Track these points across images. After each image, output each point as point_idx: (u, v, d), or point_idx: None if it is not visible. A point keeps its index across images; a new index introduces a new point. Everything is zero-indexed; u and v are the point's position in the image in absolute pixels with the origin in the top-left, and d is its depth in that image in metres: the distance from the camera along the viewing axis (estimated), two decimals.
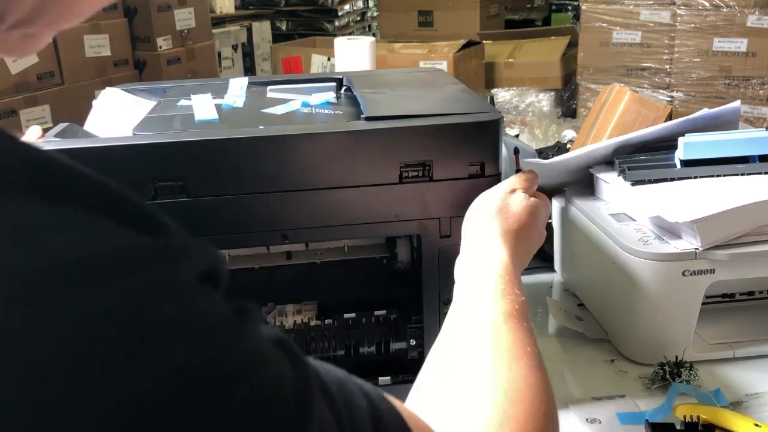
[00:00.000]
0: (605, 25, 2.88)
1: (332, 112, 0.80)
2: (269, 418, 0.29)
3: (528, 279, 1.10)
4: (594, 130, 1.17)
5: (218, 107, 0.81)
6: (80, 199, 0.30)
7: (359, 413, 0.36)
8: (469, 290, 0.61)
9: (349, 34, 4.41)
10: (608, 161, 0.97)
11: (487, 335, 0.54)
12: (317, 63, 2.90)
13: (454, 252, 0.68)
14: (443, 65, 2.83)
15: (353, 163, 0.69)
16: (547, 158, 1.01)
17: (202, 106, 0.80)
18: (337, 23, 4.50)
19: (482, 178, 0.71)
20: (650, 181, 0.89)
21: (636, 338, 0.87)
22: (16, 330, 0.25)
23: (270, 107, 0.80)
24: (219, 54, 3.80)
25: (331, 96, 0.85)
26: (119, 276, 0.28)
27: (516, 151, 0.83)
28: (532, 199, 0.70)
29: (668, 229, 0.84)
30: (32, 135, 0.73)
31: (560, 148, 1.35)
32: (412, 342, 0.78)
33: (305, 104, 0.82)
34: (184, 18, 3.32)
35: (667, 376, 0.82)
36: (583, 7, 2.92)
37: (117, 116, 0.82)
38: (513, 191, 0.70)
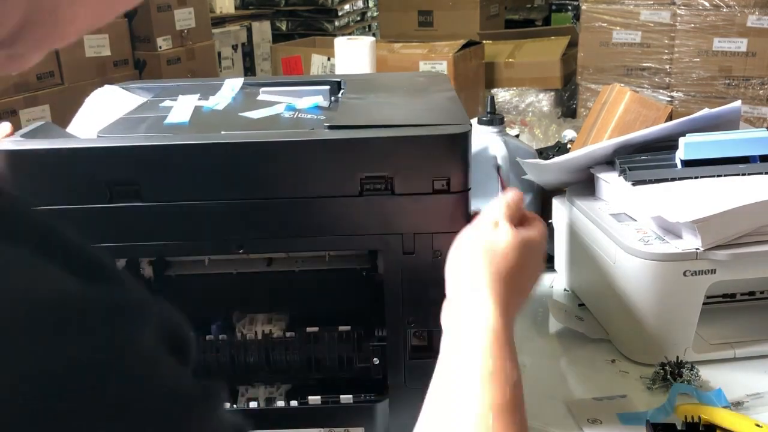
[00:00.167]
0: (605, 25, 2.88)
1: (315, 117, 0.78)
2: None
3: None
4: (594, 130, 1.17)
5: (198, 109, 0.81)
6: (27, 243, 0.28)
7: None
8: (454, 358, 0.55)
9: (349, 34, 4.41)
10: (609, 161, 0.97)
11: None
12: (317, 63, 2.90)
13: (417, 270, 0.65)
14: (443, 65, 2.83)
15: (311, 173, 0.67)
16: (547, 158, 1.01)
17: (179, 109, 0.80)
18: (337, 23, 4.50)
19: (449, 194, 0.67)
20: (651, 181, 0.89)
21: (637, 338, 0.87)
22: None
23: (252, 110, 0.79)
24: (219, 54, 3.80)
25: (321, 100, 0.83)
26: (54, 325, 0.26)
27: (498, 168, 0.78)
28: (522, 231, 0.62)
29: (669, 229, 0.84)
30: (1, 131, 0.72)
31: (560, 148, 1.35)
32: (376, 361, 0.74)
33: (290, 108, 0.81)
34: (184, 18, 3.32)
35: (668, 376, 0.82)
36: (583, 7, 2.92)
37: (106, 114, 0.82)
38: (497, 224, 0.62)
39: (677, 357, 0.84)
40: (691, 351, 0.85)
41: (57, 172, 0.66)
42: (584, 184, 1.00)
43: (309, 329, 0.75)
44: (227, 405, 0.73)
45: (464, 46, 2.93)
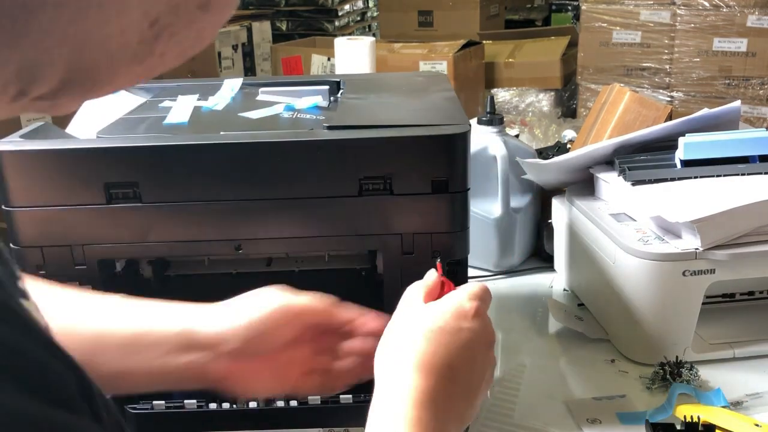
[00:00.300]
0: (605, 25, 2.88)
1: (314, 117, 0.78)
2: None
3: (528, 279, 1.10)
4: (594, 130, 1.17)
5: (198, 109, 0.81)
6: None
7: None
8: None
9: (349, 34, 4.41)
10: (608, 161, 0.97)
11: None
12: (317, 63, 2.90)
13: (417, 270, 0.65)
14: (443, 65, 2.83)
15: (310, 173, 0.67)
16: (547, 158, 1.01)
17: (179, 109, 0.80)
18: (337, 23, 4.50)
19: (447, 194, 0.68)
20: (650, 181, 0.89)
21: (636, 338, 0.87)
22: None
23: (251, 111, 0.79)
24: (219, 54, 3.80)
25: (320, 100, 0.83)
26: None
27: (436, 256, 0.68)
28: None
29: (668, 229, 0.84)
30: None
31: (560, 148, 1.35)
32: None
33: (289, 108, 0.81)
34: None
35: (668, 376, 0.82)
36: (583, 7, 2.92)
37: (105, 114, 0.81)
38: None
39: (676, 357, 0.84)
40: (690, 351, 0.85)
41: (56, 172, 0.67)
42: (584, 184, 1.00)
43: None
44: (227, 405, 0.73)
45: (464, 46, 2.93)
